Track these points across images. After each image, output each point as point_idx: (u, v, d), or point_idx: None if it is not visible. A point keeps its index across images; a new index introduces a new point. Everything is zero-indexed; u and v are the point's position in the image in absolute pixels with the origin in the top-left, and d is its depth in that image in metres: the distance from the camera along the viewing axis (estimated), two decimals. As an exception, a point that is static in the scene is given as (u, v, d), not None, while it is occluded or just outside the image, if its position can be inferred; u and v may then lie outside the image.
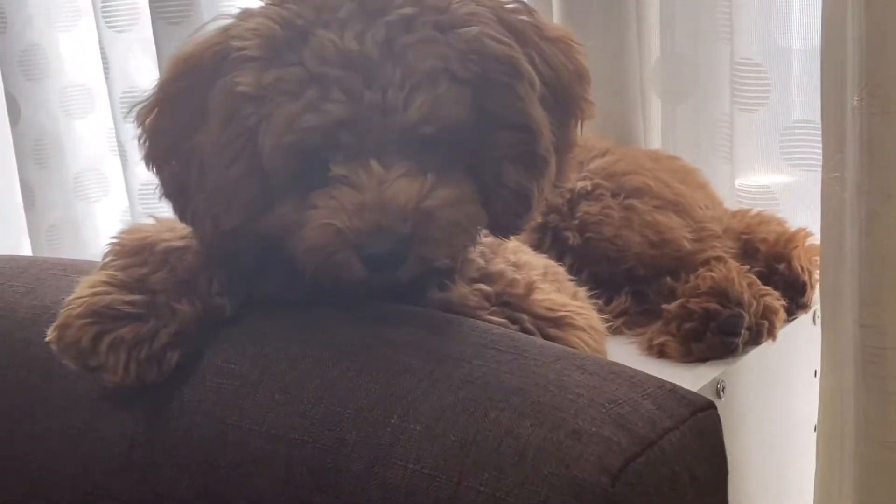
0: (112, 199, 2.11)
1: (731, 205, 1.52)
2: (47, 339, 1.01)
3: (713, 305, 1.20)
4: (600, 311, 1.24)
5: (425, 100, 0.93)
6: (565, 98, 1.01)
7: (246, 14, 0.98)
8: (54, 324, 1.01)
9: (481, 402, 0.87)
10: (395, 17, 0.93)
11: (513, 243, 1.16)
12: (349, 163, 0.94)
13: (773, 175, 1.52)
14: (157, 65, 1.82)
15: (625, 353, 1.23)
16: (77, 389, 1.04)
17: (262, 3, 0.99)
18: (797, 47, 1.45)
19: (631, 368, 0.94)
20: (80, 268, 1.21)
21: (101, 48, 1.91)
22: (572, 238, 1.32)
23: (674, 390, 0.91)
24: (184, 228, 1.05)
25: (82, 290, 1.02)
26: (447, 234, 0.95)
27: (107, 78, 1.92)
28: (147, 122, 1.00)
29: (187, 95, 0.98)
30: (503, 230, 1.04)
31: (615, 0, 1.54)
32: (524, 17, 1.01)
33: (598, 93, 1.51)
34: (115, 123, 1.95)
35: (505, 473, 0.82)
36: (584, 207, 1.33)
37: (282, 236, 0.97)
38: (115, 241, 1.08)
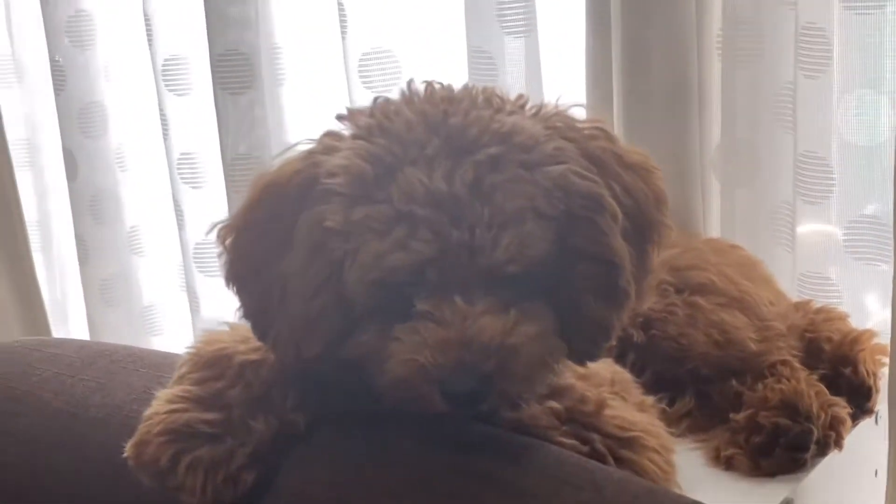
0: (165, 254, 2.13)
1: (791, 294, 1.51)
2: (125, 455, 1.01)
3: (783, 420, 1.19)
4: (664, 413, 1.24)
5: (512, 240, 0.92)
6: (644, 225, 1.01)
7: (331, 146, 0.99)
8: (132, 440, 1.01)
9: (563, 549, 0.87)
10: (482, 157, 0.93)
11: None
12: (433, 299, 0.93)
13: (835, 267, 1.51)
14: (217, 131, 1.83)
15: (691, 462, 1.22)
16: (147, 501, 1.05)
17: (347, 132, 1.00)
18: (863, 143, 1.44)
19: (699, 505, 0.94)
20: (151, 360, 1.22)
21: (161, 110, 1.92)
22: (636, 336, 1.31)
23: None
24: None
25: (160, 406, 1.03)
26: (530, 371, 0.95)
27: (165, 139, 1.94)
28: (228, 242, 1.01)
29: (271, 222, 0.98)
30: (580, 358, 1.03)
31: (678, 87, 1.54)
32: (605, 145, 1.01)
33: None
34: (172, 184, 1.97)
35: None
36: (652, 304, 1.33)
37: (362, 363, 0.98)
38: (191, 350, 1.08)
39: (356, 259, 0.94)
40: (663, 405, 1.26)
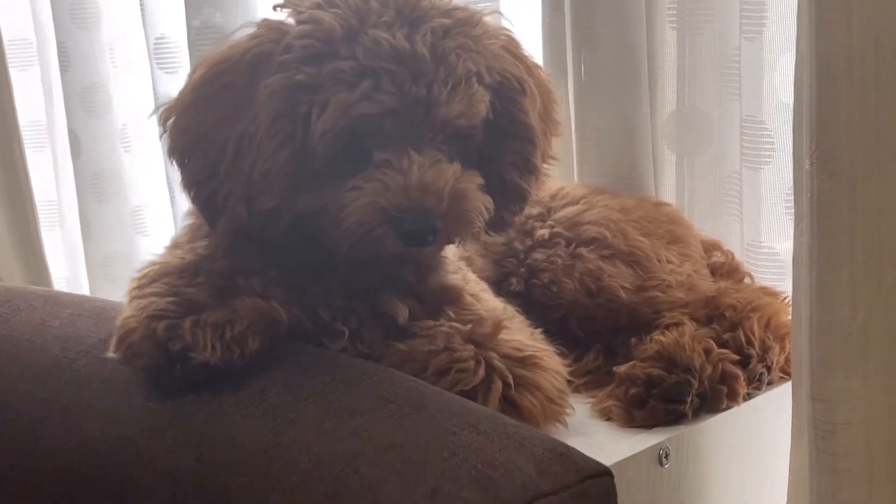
0: (167, 233, 2.17)
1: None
2: (110, 354, 1.04)
3: (657, 371, 1.16)
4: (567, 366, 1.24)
5: (463, 96, 1.05)
6: (546, 115, 1.17)
7: (276, 28, 1.06)
8: (115, 339, 1.03)
9: (357, 455, 0.87)
10: (436, 25, 1.05)
11: (475, 281, 1.23)
12: (391, 150, 1.03)
13: (778, 235, 1.47)
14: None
15: (577, 413, 1.19)
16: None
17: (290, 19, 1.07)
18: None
19: (529, 429, 0.93)
20: (57, 299, 1.27)
21: (154, 89, 1.97)
22: (516, 284, 1.32)
23: (566, 454, 0.89)
24: (188, 248, 1.12)
25: (132, 310, 1.05)
26: (472, 216, 1.07)
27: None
28: (172, 120, 1.08)
29: (222, 93, 1.06)
30: (497, 227, 1.16)
31: (626, 58, 1.52)
32: (517, 46, 1.15)
33: (608, 146, 1.55)
34: (165, 162, 2.01)
35: (359, 531, 0.82)
36: (536, 255, 1.33)
37: (317, 216, 1.05)
38: (133, 280, 1.12)
39: (325, 109, 1.02)
40: (563, 350, 1.24)
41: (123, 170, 2.14)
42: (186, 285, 1.05)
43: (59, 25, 2.08)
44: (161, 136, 1.10)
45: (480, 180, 1.09)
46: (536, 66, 1.18)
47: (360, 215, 1.03)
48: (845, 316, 1.06)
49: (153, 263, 1.12)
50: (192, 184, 1.08)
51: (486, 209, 1.09)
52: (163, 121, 1.10)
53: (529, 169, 1.14)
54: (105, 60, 2.09)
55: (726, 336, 1.26)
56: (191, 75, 1.10)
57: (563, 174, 1.60)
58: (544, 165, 1.17)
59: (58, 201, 2.33)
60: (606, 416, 1.19)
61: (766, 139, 1.44)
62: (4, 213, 2.20)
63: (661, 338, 1.20)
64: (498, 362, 1.08)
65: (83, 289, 2.32)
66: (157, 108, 1.11)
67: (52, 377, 1.10)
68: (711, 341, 1.21)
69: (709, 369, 1.18)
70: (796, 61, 1.15)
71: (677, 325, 1.27)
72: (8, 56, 2.12)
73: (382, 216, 1.02)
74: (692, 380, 1.16)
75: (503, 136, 1.12)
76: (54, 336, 1.16)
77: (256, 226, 1.05)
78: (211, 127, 1.06)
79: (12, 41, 2.18)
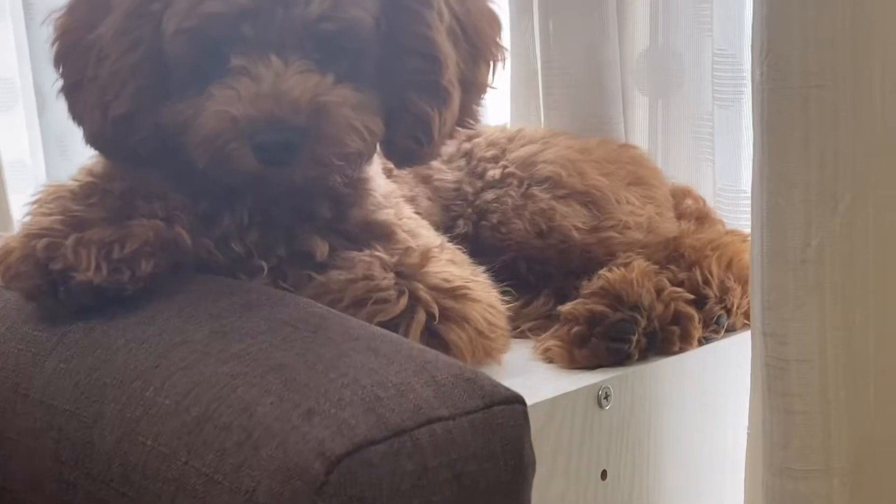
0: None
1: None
2: None
3: (600, 307, 1.08)
4: (517, 310, 1.16)
5: None
6: (476, 38, 1.04)
7: None
8: None
9: (237, 377, 0.79)
10: None
11: (413, 218, 1.14)
12: (249, 55, 0.94)
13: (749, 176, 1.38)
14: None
15: (518, 356, 1.11)
16: None
17: None
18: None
19: (437, 355, 0.84)
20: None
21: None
22: (463, 226, 1.23)
23: (472, 380, 0.81)
24: (86, 171, 1.05)
25: (17, 234, 0.97)
26: (341, 134, 0.95)
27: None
28: (58, 23, 1.01)
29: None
30: (402, 157, 1.05)
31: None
32: None
33: (575, 89, 1.47)
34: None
35: (227, 454, 0.74)
36: (486, 196, 1.24)
37: (179, 130, 0.96)
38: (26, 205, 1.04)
39: (173, 7, 0.94)
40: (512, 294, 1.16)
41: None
42: (77, 206, 0.97)
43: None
44: (52, 44, 1.02)
45: (372, 100, 0.98)
46: None
47: (210, 126, 0.93)
48: (798, 242, 0.97)
49: (48, 186, 1.04)
50: (64, 92, 1.01)
51: (369, 130, 0.97)
52: (54, 25, 1.02)
53: (434, 91, 1.01)
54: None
55: (682, 276, 1.17)
56: None
57: (530, 120, 1.52)
58: (479, 98, 1.06)
59: (31, 164, 2.27)
60: (548, 357, 1.10)
61: (740, 75, 1.35)
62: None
63: (608, 274, 1.12)
64: (423, 293, 0.99)
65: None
66: (50, 14, 1.02)
67: (-52, 310, 1.02)
68: (664, 279, 1.12)
69: (659, 308, 1.09)
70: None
71: (628, 264, 1.18)
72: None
73: (233, 127, 0.92)
74: (639, 317, 1.07)
75: (402, 52, 1.00)
76: (-43, 269, 1.08)
77: (111, 135, 0.98)
78: (83, 31, 0.99)
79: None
